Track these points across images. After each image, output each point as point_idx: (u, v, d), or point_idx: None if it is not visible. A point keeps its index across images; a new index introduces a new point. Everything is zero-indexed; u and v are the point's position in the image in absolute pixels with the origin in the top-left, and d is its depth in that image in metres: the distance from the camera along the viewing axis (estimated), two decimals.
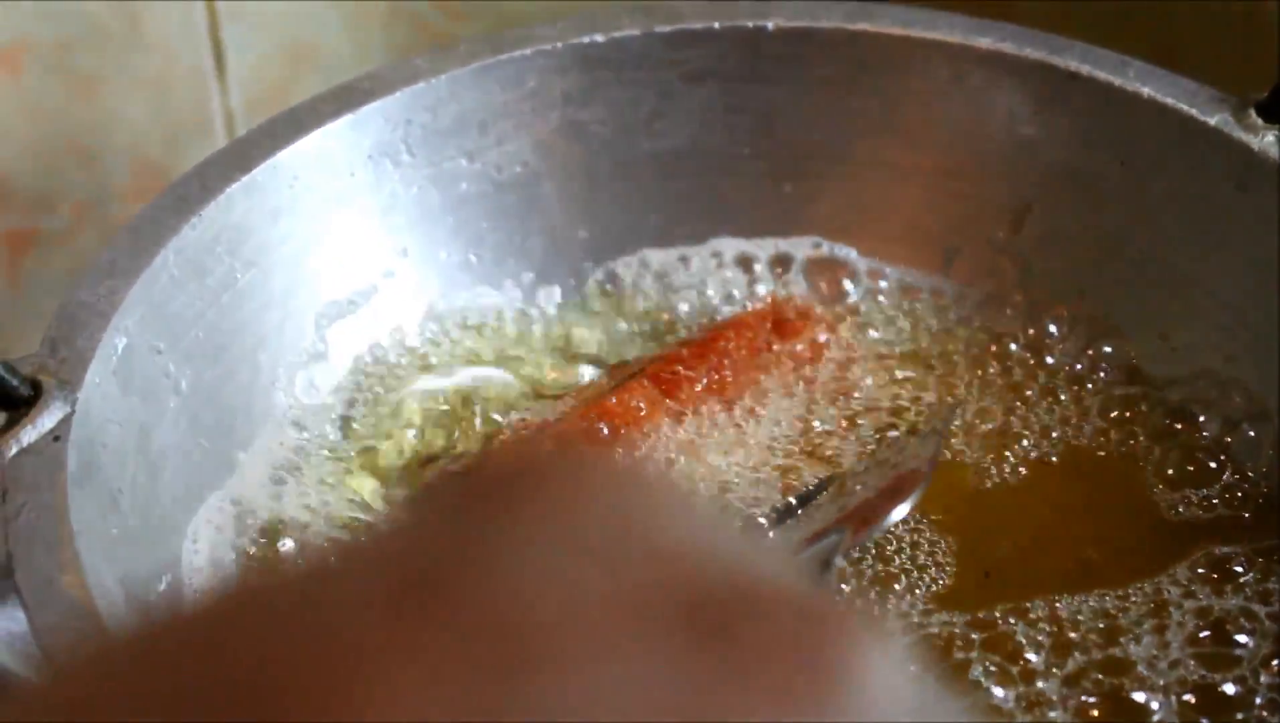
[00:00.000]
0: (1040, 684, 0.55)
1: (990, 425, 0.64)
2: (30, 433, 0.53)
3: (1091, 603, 0.57)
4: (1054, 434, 0.63)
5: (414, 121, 0.65)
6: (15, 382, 0.53)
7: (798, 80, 0.68)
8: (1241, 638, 0.56)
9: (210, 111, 0.82)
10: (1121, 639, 0.56)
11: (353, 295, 0.65)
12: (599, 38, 0.66)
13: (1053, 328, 0.66)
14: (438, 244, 0.67)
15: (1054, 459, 0.63)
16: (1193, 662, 0.55)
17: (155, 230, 0.59)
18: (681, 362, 0.64)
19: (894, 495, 0.57)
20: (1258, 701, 0.54)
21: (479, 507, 0.21)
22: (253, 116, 0.82)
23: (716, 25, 0.67)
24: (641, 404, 0.62)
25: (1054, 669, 0.55)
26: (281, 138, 0.63)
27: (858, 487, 0.59)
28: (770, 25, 0.67)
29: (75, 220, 0.80)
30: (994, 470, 0.62)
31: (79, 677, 0.19)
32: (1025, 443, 0.63)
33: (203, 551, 0.57)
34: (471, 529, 0.20)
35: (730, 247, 0.70)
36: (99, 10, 0.76)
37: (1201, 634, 0.56)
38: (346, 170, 0.64)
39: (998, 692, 0.54)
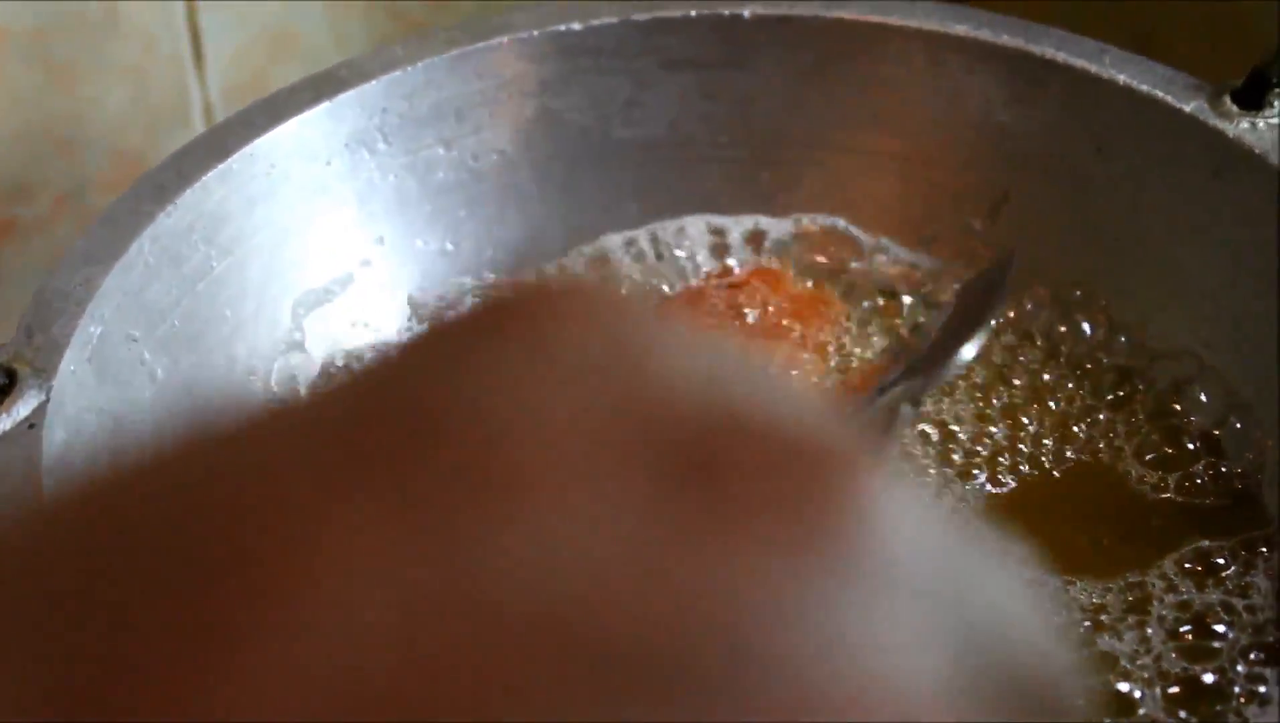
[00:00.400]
0: None
1: (968, 413, 0.64)
2: (5, 421, 0.53)
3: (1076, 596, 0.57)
4: (1030, 427, 0.63)
5: (390, 110, 0.65)
6: None
7: (774, 67, 0.68)
8: (1220, 629, 0.56)
9: (189, 100, 0.81)
10: (1105, 634, 0.56)
11: (329, 284, 0.65)
12: (576, 25, 0.66)
13: (1029, 315, 0.67)
14: (415, 232, 0.67)
15: (1031, 450, 0.63)
16: (1174, 654, 0.55)
17: (131, 218, 0.59)
18: None
19: (961, 333, 0.55)
20: (1236, 690, 0.54)
21: (468, 341, 0.19)
22: (231, 105, 0.81)
23: (693, 13, 0.67)
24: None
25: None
26: (258, 126, 0.63)
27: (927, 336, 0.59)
28: (746, 13, 0.67)
29: (53, 209, 0.80)
30: (972, 461, 0.62)
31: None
32: (1000, 431, 0.63)
33: None
34: (455, 363, 0.19)
35: (706, 223, 0.70)
36: None
37: (1182, 628, 0.56)
38: (323, 158, 0.64)
39: None
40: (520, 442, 0.17)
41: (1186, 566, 0.58)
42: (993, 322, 0.58)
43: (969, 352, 0.55)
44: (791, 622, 0.17)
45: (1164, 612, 0.56)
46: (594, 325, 0.19)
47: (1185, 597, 0.57)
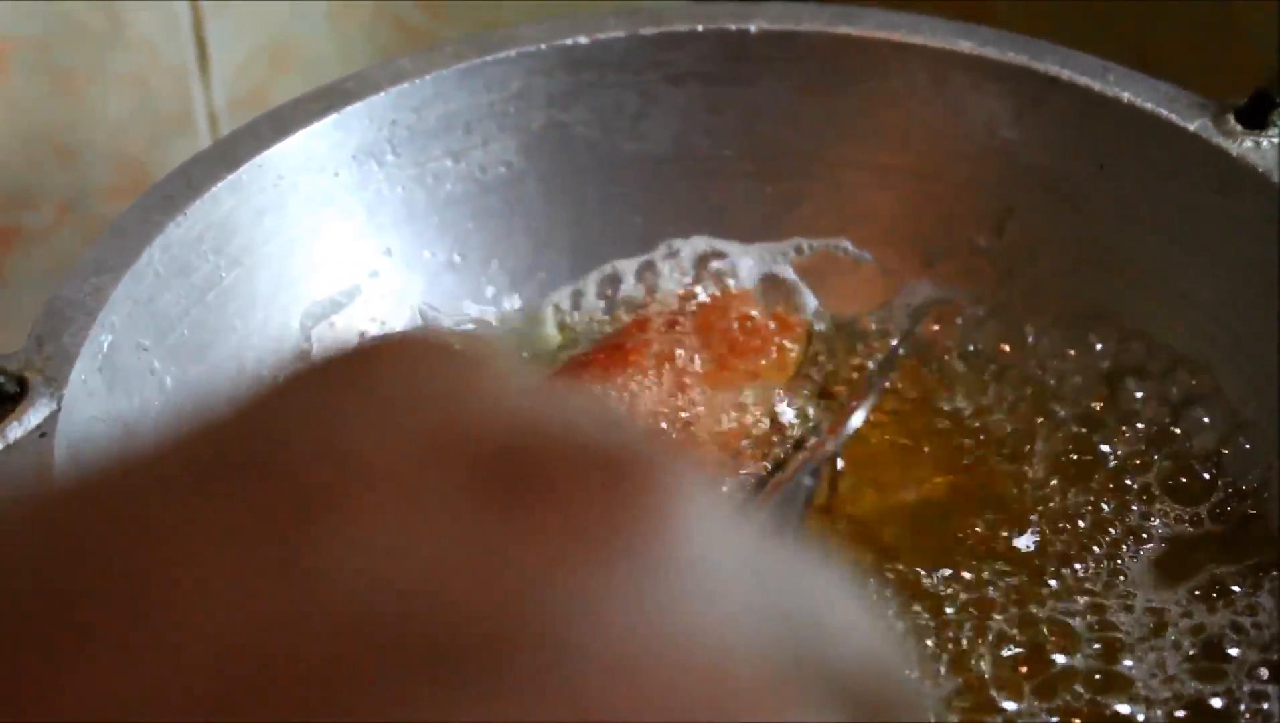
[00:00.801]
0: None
1: (972, 430, 0.65)
2: (16, 429, 0.53)
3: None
4: (1037, 445, 0.64)
5: (399, 122, 0.65)
6: (1, 378, 0.53)
7: (780, 83, 0.68)
8: (1233, 652, 0.56)
9: (193, 110, 0.82)
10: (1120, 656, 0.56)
11: (337, 295, 0.65)
12: (583, 39, 0.67)
13: (1032, 333, 0.67)
14: (422, 244, 0.67)
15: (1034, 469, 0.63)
16: (1188, 677, 0.55)
17: (141, 228, 0.59)
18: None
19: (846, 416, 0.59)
20: (1242, 707, 0.54)
21: (298, 391, 0.21)
22: (235, 115, 0.82)
23: (700, 28, 0.67)
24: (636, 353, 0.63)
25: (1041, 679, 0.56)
26: (267, 137, 0.63)
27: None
28: (753, 28, 0.67)
29: (57, 217, 0.80)
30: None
31: None
32: (1006, 451, 0.64)
33: None
34: (299, 407, 0.21)
35: (710, 247, 0.70)
36: (82, 8, 0.76)
37: (1191, 652, 0.56)
38: (331, 170, 0.65)
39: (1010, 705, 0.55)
40: (355, 471, 0.19)
41: (1198, 592, 0.58)
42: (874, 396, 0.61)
43: (857, 421, 0.59)
44: (599, 613, 0.18)
45: (1178, 637, 0.57)
46: (422, 372, 0.21)
47: (1198, 620, 0.57)
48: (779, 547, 0.21)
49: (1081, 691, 0.55)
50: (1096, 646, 0.57)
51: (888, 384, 0.63)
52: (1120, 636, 0.57)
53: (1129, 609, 0.58)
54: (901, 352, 0.64)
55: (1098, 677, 0.56)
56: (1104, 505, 0.61)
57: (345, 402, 0.20)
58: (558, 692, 0.17)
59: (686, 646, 0.18)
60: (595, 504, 0.19)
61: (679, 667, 0.18)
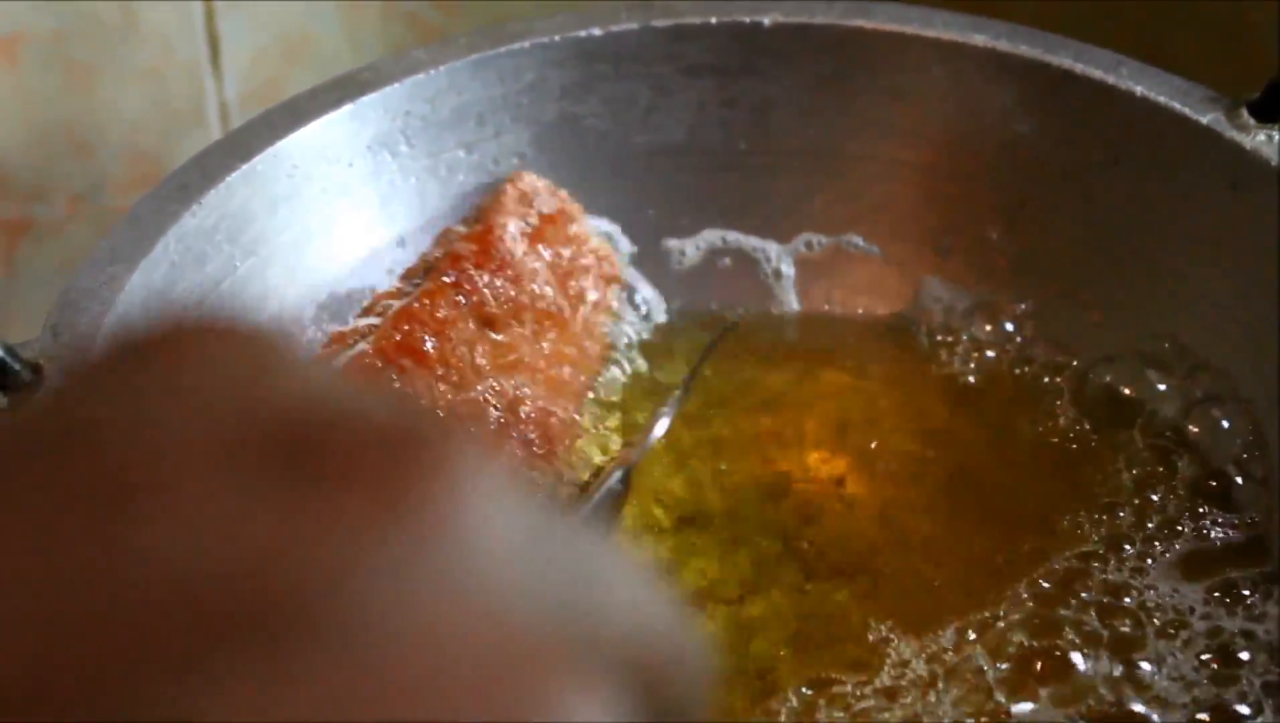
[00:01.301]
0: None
1: (983, 430, 0.65)
2: None
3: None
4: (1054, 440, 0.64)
5: (413, 113, 0.66)
6: (17, 366, 0.54)
7: (793, 76, 0.68)
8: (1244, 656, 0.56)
9: (205, 104, 0.82)
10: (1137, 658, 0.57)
11: (350, 286, 0.66)
12: (597, 31, 0.67)
13: (1044, 326, 0.67)
14: (436, 234, 0.67)
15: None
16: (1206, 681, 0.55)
17: (156, 217, 0.60)
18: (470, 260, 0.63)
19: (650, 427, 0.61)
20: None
21: (107, 375, 0.22)
22: (247, 109, 0.82)
23: (713, 20, 0.67)
24: (444, 310, 0.62)
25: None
26: (281, 127, 0.63)
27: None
28: (766, 21, 0.67)
29: (69, 210, 0.81)
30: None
31: None
32: (1017, 451, 0.64)
33: None
34: (83, 402, 0.21)
35: (727, 239, 0.70)
36: (96, 2, 0.76)
37: (1204, 656, 0.56)
38: (345, 160, 0.65)
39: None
40: (161, 456, 0.20)
41: (1216, 593, 0.58)
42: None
43: (661, 428, 0.61)
44: (390, 588, 0.19)
45: (1191, 636, 0.57)
46: (222, 358, 0.22)
47: (1213, 624, 0.57)
48: (563, 526, 0.22)
49: (1105, 693, 0.55)
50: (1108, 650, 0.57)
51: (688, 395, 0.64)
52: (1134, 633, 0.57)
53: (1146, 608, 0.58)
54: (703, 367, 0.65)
55: (1115, 677, 0.56)
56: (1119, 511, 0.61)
57: (151, 387, 0.21)
58: (347, 663, 0.18)
59: (467, 617, 0.20)
60: (388, 484, 0.20)
61: (460, 637, 0.19)
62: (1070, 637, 0.57)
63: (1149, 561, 0.59)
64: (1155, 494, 0.62)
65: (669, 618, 0.24)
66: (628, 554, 0.24)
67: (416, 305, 0.61)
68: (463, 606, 0.20)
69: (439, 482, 0.20)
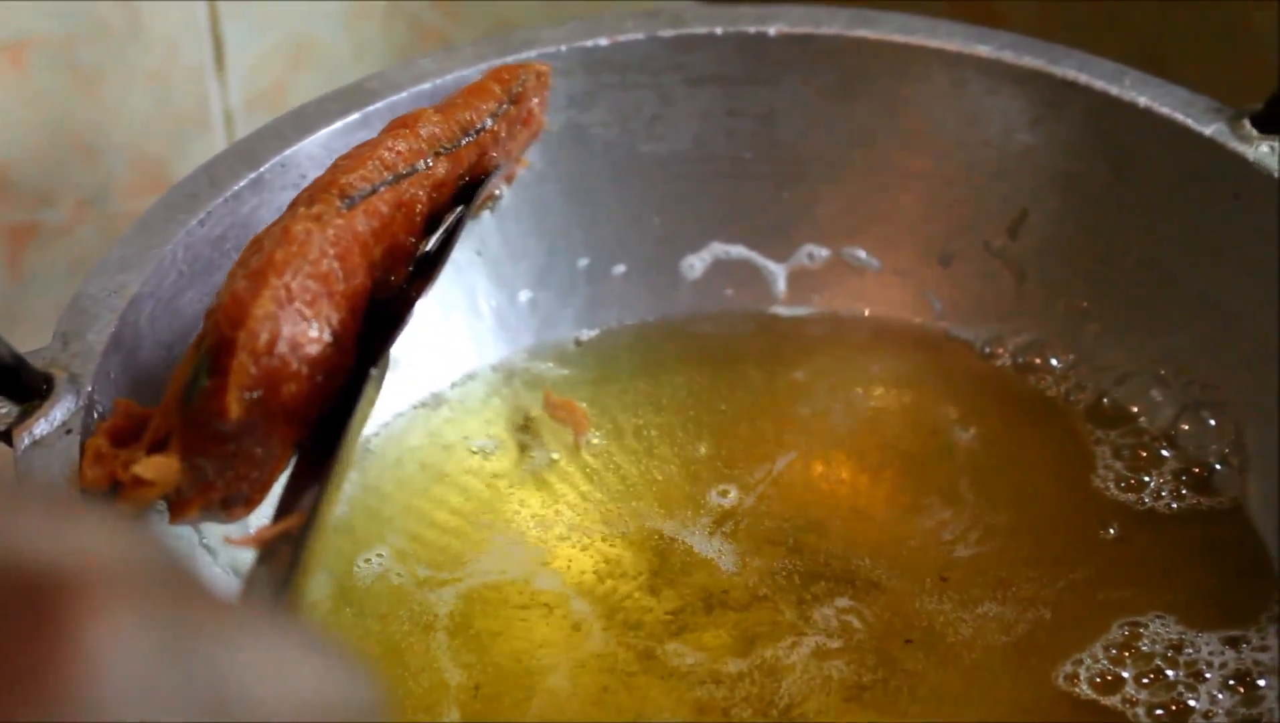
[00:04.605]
0: None
1: (988, 447, 0.65)
2: (43, 426, 0.53)
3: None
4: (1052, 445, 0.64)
5: None
6: (29, 375, 0.54)
7: (799, 86, 0.68)
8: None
9: (210, 108, 0.82)
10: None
11: None
12: (603, 41, 0.67)
13: (1047, 336, 0.67)
14: None
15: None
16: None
17: (164, 226, 0.60)
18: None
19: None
20: None
21: None
22: (252, 114, 0.82)
23: (719, 30, 0.68)
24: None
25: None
26: (289, 136, 0.63)
27: None
28: (772, 31, 0.67)
29: (75, 214, 0.81)
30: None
31: None
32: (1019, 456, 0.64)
33: (213, 543, 0.58)
34: None
35: (731, 248, 0.70)
36: (102, 7, 0.77)
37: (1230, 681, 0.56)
38: None
39: None
40: None
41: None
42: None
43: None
44: None
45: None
46: None
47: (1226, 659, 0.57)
48: (208, 634, 0.23)
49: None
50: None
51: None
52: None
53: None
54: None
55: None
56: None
57: None
58: None
59: None
60: (10, 649, 0.20)
61: None
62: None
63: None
64: (1147, 477, 0.62)
65: (331, 690, 0.24)
66: (286, 630, 0.24)
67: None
68: None
69: (65, 635, 0.20)
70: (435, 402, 0.67)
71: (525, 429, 0.67)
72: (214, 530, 0.57)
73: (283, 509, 0.49)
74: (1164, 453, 0.64)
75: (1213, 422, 0.63)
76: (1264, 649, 0.56)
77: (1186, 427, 0.64)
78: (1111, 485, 0.63)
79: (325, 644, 0.25)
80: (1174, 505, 0.62)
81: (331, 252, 0.50)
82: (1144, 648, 0.57)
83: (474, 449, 0.66)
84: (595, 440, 0.66)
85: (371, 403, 0.50)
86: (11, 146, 0.78)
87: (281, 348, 0.47)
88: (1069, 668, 0.57)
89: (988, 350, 0.68)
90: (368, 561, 0.62)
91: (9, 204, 0.79)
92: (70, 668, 0.20)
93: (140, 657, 0.21)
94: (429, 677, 0.58)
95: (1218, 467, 0.63)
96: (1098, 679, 0.56)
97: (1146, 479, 0.63)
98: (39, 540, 0.22)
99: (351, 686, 0.25)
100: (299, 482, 0.50)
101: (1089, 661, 0.57)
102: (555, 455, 0.66)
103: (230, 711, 0.22)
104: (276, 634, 0.24)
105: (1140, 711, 0.55)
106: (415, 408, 0.67)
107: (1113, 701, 0.55)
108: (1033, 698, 0.56)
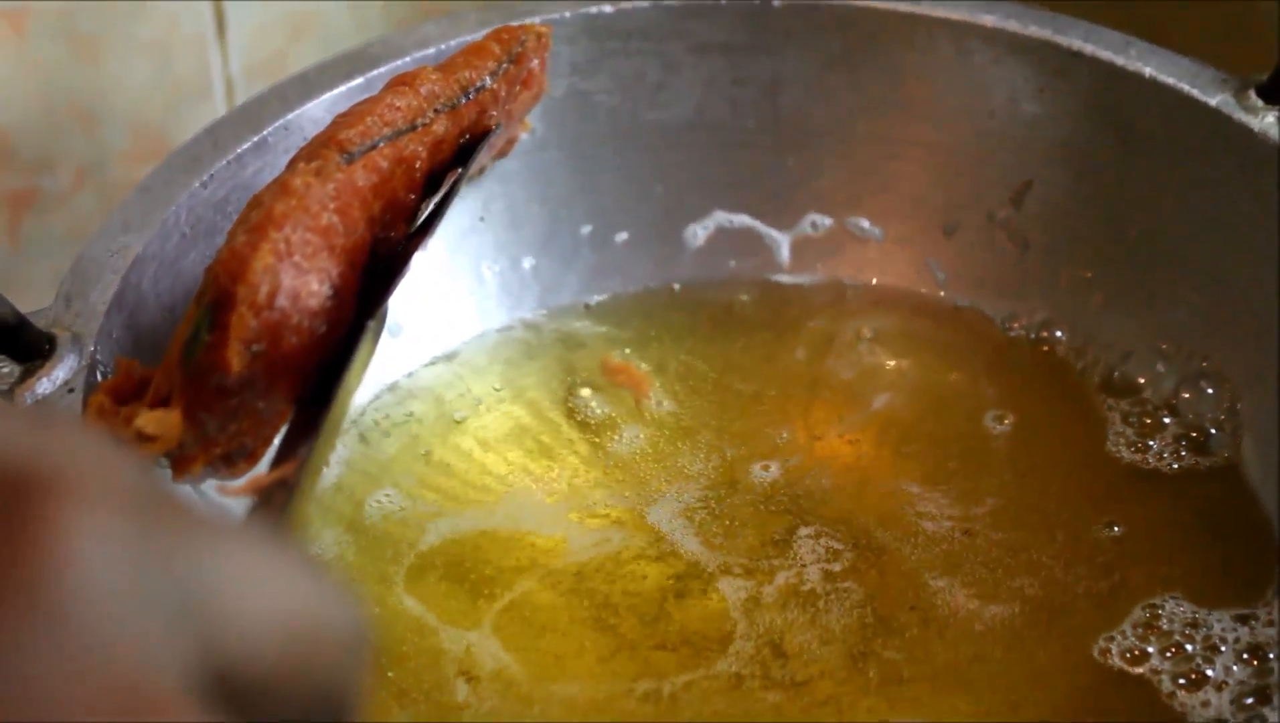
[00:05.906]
0: None
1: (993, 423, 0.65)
2: (45, 385, 0.53)
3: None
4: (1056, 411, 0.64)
5: None
6: (31, 335, 0.54)
7: (803, 54, 0.68)
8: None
9: (210, 77, 0.82)
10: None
11: None
12: (608, 8, 0.67)
13: (1049, 306, 0.67)
14: None
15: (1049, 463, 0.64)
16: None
17: (167, 188, 0.60)
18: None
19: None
20: None
21: None
22: (252, 83, 0.82)
23: None
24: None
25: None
26: (293, 99, 0.63)
27: None
28: (777, 0, 0.67)
29: (74, 181, 0.80)
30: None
31: None
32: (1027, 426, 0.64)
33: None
34: None
35: (735, 220, 0.70)
36: None
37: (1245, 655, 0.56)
38: None
39: None
40: None
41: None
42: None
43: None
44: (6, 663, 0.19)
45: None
46: None
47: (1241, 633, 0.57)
48: (187, 543, 0.23)
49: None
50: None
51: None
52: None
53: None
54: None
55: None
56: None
57: None
58: None
59: (65, 680, 0.20)
60: None
61: (58, 703, 0.19)
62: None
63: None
64: (1151, 441, 0.63)
65: (313, 607, 0.24)
66: (273, 549, 0.24)
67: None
68: (61, 666, 0.20)
69: (42, 531, 0.20)
70: (447, 357, 0.68)
71: (530, 398, 0.67)
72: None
73: (279, 459, 0.49)
74: (1166, 420, 0.64)
75: (1210, 391, 0.63)
76: (1270, 624, 0.56)
77: (1186, 395, 0.64)
78: (1124, 450, 0.63)
79: (308, 563, 0.25)
80: (1174, 466, 0.62)
81: (331, 206, 0.49)
82: (1164, 627, 0.57)
83: (479, 410, 0.66)
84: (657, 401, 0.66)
85: (369, 355, 0.49)
86: (11, 113, 0.78)
87: (281, 301, 0.47)
88: (1101, 643, 0.57)
89: (990, 317, 0.68)
90: (374, 503, 0.62)
91: (8, 171, 0.79)
92: (48, 563, 0.20)
93: (121, 556, 0.21)
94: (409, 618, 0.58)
95: (1213, 431, 0.63)
96: (1127, 653, 0.56)
97: (1151, 443, 0.63)
98: (21, 443, 0.22)
99: (334, 605, 0.25)
100: (295, 432, 0.49)
101: (1119, 637, 0.57)
102: (555, 417, 0.66)
103: (210, 616, 0.22)
104: (259, 550, 0.24)
105: (1165, 677, 0.55)
106: (424, 367, 0.67)
107: (1141, 670, 0.56)
108: (1070, 668, 0.56)
